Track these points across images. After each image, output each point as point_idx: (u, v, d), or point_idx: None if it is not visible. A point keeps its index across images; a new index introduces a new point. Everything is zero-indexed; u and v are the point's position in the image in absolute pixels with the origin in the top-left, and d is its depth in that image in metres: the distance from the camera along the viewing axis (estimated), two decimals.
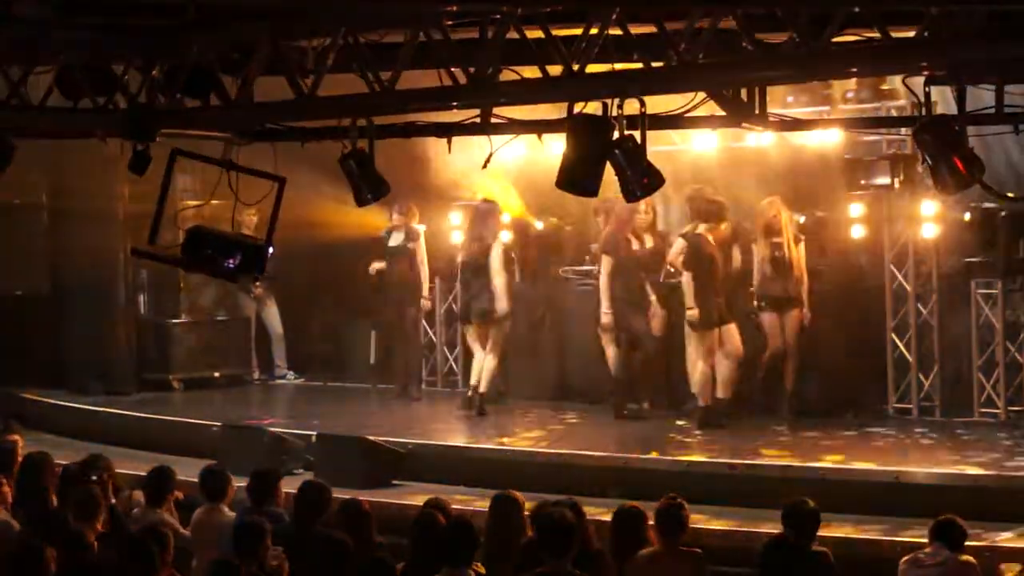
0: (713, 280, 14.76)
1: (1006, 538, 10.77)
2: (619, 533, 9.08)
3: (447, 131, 10.99)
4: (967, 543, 8.92)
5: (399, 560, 8.48)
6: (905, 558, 8.93)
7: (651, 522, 9.00)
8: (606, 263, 15.34)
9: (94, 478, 10.25)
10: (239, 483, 10.54)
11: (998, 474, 12.12)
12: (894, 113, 14.43)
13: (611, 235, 15.39)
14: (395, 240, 17.06)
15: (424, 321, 17.66)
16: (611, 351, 15.53)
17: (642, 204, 14.80)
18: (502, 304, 15.90)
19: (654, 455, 13.35)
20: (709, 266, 14.75)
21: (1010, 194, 12.41)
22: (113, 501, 10.14)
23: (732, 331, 14.85)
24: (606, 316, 15.34)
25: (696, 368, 14.81)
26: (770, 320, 15.04)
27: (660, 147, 14.32)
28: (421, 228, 17.01)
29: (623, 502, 9.56)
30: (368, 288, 17.69)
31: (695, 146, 15.66)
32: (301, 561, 8.88)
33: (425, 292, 17.16)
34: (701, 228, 14.84)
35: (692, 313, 14.71)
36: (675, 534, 8.86)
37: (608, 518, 9.46)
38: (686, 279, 14.78)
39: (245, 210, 12.45)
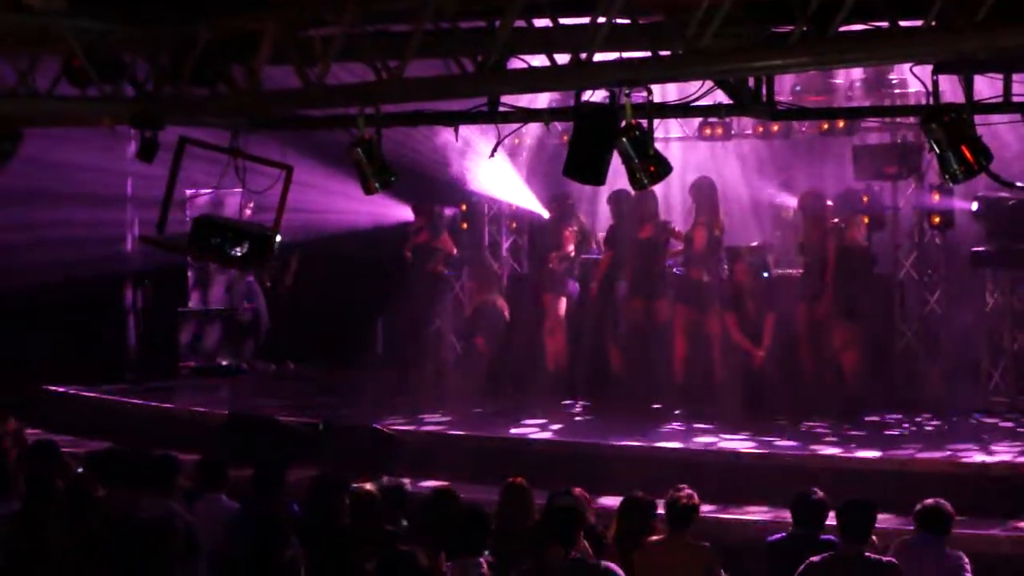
0: None
1: (1015, 527, 10.78)
2: (626, 522, 9.05)
3: (454, 119, 10.98)
4: (975, 532, 8.88)
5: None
6: (894, 544, 8.89)
7: (660, 512, 8.98)
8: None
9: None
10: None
11: (1007, 462, 12.11)
12: (901, 102, 14.41)
13: None
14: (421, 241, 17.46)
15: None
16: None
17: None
18: None
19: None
20: None
21: (1018, 183, 12.37)
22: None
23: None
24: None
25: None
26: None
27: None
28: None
29: (631, 492, 9.52)
30: (385, 276, 17.92)
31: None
32: (313, 551, 8.85)
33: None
34: None
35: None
36: (683, 526, 8.80)
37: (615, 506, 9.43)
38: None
39: None
